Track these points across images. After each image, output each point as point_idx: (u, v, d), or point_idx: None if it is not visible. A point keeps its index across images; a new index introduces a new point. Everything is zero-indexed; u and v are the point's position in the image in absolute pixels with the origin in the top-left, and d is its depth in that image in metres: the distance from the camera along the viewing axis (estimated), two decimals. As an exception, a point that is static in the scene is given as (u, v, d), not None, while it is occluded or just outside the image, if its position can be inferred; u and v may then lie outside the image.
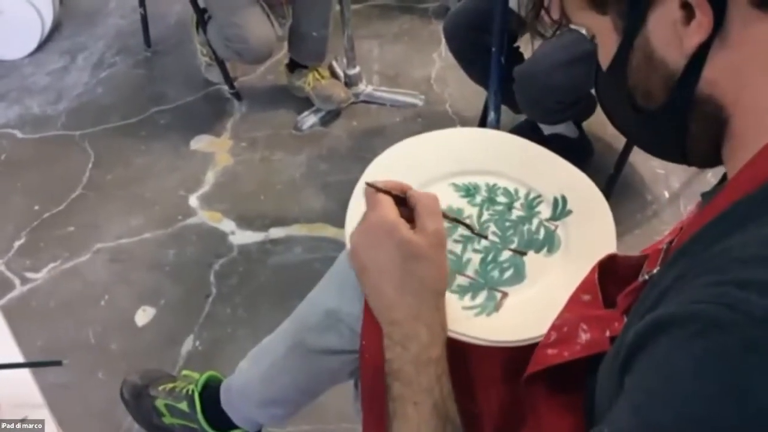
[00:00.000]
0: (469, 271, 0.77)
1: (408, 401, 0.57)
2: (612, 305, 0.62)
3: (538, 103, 1.63)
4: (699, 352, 0.37)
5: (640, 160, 1.93)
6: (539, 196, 0.86)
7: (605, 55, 0.53)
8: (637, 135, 0.57)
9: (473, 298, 0.74)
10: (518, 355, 0.74)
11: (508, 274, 0.77)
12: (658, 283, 0.47)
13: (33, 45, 2.56)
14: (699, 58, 0.47)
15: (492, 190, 0.86)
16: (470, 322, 0.71)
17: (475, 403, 0.79)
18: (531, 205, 0.85)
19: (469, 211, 0.84)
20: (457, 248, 0.80)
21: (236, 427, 1.15)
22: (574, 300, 0.68)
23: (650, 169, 1.94)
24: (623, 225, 1.78)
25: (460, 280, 0.76)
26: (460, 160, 0.89)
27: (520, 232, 0.82)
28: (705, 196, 0.54)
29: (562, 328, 0.65)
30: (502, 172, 0.88)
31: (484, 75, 1.69)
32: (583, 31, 1.50)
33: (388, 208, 0.63)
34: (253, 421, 1.14)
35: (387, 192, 0.65)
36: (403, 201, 0.66)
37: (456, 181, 0.87)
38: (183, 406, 1.21)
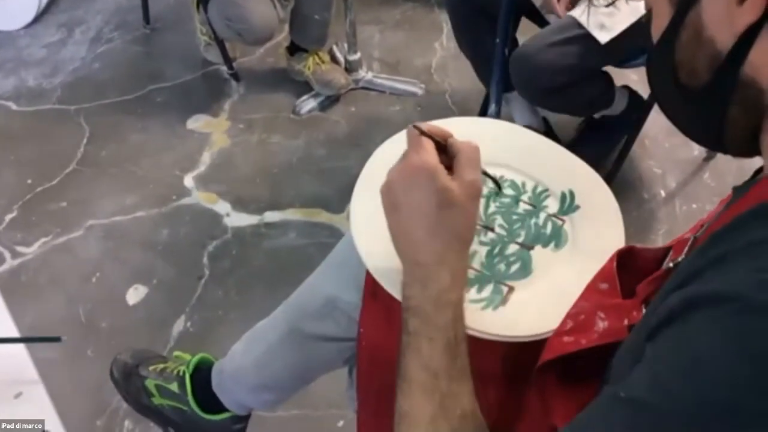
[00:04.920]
0: (475, 264, 0.77)
1: (423, 337, 0.58)
2: (629, 295, 0.61)
3: (532, 82, 1.65)
4: (731, 334, 0.37)
5: (638, 158, 1.94)
6: (546, 190, 0.85)
7: (657, 28, 0.53)
8: (676, 114, 0.57)
9: (479, 290, 0.74)
10: (517, 350, 0.74)
11: (514, 267, 0.77)
12: (691, 264, 0.46)
13: (30, 16, 2.52)
14: (747, 40, 0.46)
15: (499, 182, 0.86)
16: (477, 315, 0.71)
17: None
18: (538, 199, 0.84)
19: None
20: None
21: (226, 410, 1.15)
22: (591, 288, 0.67)
23: (647, 168, 1.94)
24: (618, 222, 1.78)
25: None
26: None
27: (528, 226, 0.81)
28: (738, 189, 0.54)
29: (579, 316, 0.65)
30: (510, 164, 0.87)
31: (483, 53, 1.73)
32: (579, 19, 1.52)
33: (430, 152, 0.62)
34: (244, 405, 1.13)
35: (429, 136, 0.64)
36: (444, 148, 0.66)
37: None
38: (173, 387, 1.20)
